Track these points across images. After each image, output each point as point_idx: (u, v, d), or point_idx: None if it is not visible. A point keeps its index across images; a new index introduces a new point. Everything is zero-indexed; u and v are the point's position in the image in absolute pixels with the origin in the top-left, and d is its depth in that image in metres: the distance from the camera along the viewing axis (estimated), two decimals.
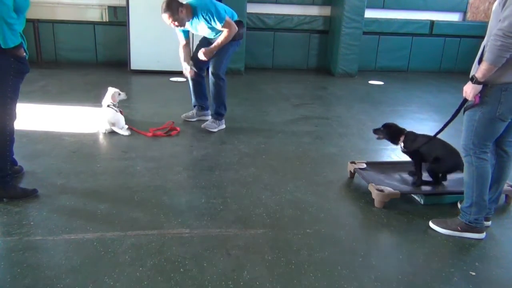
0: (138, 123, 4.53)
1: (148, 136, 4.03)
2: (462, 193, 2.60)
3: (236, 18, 4.18)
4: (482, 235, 2.56)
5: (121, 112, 4.19)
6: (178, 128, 4.21)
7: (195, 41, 4.64)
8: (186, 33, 4.22)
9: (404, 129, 3.18)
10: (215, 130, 4.29)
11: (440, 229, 2.62)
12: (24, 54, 2.65)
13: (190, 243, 2.37)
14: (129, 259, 2.20)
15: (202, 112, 4.57)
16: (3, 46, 2.48)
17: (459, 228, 2.57)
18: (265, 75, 7.36)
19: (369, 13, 7.50)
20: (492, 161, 2.55)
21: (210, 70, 4.15)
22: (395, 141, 3.18)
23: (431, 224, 2.67)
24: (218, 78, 4.16)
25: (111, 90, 4.25)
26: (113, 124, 4.02)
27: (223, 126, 4.39)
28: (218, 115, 4.34)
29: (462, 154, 2.56)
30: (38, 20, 7.02)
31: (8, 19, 2.43)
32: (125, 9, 6.63)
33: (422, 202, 2.96)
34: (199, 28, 4.03)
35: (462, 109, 2.53)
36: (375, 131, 3.28)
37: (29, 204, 2.69)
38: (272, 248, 2.36)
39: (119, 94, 4.29)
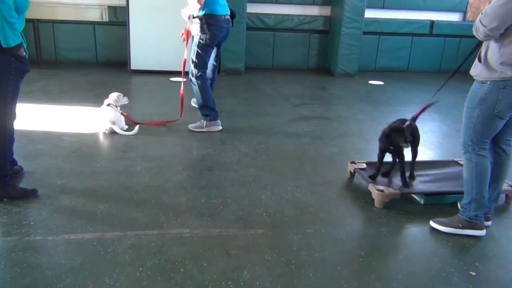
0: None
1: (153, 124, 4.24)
2: (462, 193, 2.60)
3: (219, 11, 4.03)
4: (482, 232, 2.57)
5: (122, 114, 4.21)
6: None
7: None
8: None
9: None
10: (198, 130, 4.25)
11: (441, 227, 2.62)
12: (24, 53, 2.66)
13: (190, 243, 2.37)
14: (129, 259, 2.20)
15: None
16: (4, 45, 2.48)
17: (460, 225, 2.57)
18: (265, 75, 7.36)
19: (369, 13, 7.50)
20: (490, 159, 2.56)
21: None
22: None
23: (431, 223, 2.67)
24: (191, 79, 4.17)
25: (116, 93, 4.30)
26: (114, 123, 4.01)
27: (217, 128, 4.29)
28: (203, 116, 4.28)
29: (461, 151, 2.57)
30: (38, 20, 7.02)
31: (9, 18, 2.43)
32: (125, 9, 6.63)
33: (422, 202, 2.96)
34: None
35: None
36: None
37: (29, 204, 2.69)
38: (272, 248, 2.36)
39: (123, 96, 4.34)
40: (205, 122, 4.26)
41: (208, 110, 4.24)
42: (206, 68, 4.25)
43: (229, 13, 4.19)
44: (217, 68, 4.67)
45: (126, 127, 4.16)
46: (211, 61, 4.44)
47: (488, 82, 2.35)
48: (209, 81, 4.35)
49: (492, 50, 2.33)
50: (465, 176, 2.54)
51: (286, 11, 7.71)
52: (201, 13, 3.94)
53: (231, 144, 3.96)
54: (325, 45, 7.89)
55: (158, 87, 6.16)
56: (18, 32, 2.54)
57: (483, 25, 2.26)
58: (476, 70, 2.43)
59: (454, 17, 8.30)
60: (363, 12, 7.27)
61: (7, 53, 2.53)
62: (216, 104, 4.30)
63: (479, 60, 2.41)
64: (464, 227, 2.57)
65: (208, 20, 3.96)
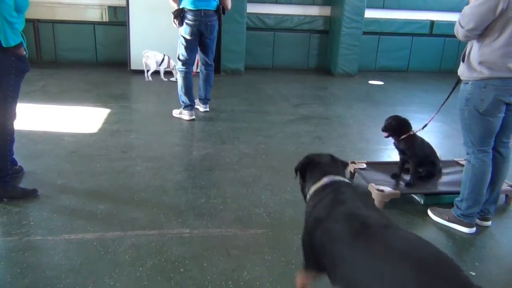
0: (138, 123, 4.54)
1: None
2: None
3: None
4: (470, 230, 2.60)
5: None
6: None
7: None
8: None
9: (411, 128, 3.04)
10: (173, 114, 4.67)
11: (434, 216, 2.75)
12: (25, 53, 2.66)
13: (190, 243, 2.37)
14: (129, 259, 2.20)
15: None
16: (4, 45, 2.48)
17: (447, 217, 2.67)
18: (265, 75, 7.36)
19: (369, 13, 7.50)
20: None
21: None
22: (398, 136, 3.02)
23: (428, 211, 2.79)
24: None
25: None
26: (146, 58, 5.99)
27: (186, 117, 4.56)
28: (180, 102, 4.63)
29: (462, 152, 2.58)
30: (38, 20, 7.02)
31: (9, 18, 2.43)
32: (125, 9, 6.63)
33: (422, 202, 2.96)
34: None
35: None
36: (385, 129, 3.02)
37: (29, 204, 2.69)
38: (272, 248, 2.36)
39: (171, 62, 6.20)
40: (180, 109, 4.61)
41: (183, 98, 4.56)
42: (189, 61, 4.50)
43: (211, 8, 4.33)
44: (210, 66, 4.74)
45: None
46: (202, 56, 4.66)
47: (470, 82, 2.39)
48: (201, 73, 4.73)
49: (474, 50, 2.35)
50: (463, 175, 2.59)
51: (286, 11, 7.71)
52: (181, 7, 4.32)
53: (231, 144, 3.96)
54: (325, 45, 7.89)
55: (158, 87, 6.16)
56: (18, 32, 2.54)
57: (461, 26, 2.28)
58: (460, 69, 2.46)
59: (454, 17, 8.20)
60: (363, 12, 7.27)
61: (7, 53, 2.53)
62: (193, 97, 4.59)
63: (462, 60, 2.43)
64: (450, 221, 2.65)
65: (183, 14, 4.30)
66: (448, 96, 2.82)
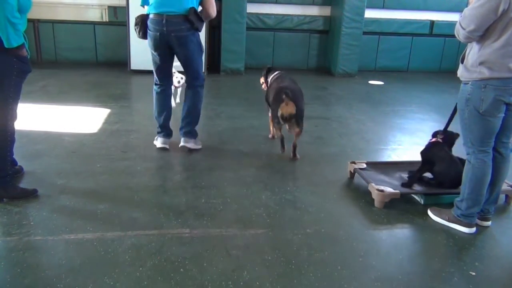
0: (138, 123, 4.54)
1: None
2: None
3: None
4: (470, 230, 2.59)
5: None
6: None
7: None
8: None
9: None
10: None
11: (434, 216, 2.75)
12: (26, 53, 2.66)
13: (190, 243, 2.37)
14: (129, 259, 2.20)
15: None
16: (6, 46, 2.48)
17: (447, 218, 2.67)
18: None
19: (369, 13, 7.50)
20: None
21: None
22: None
23: (428, 211, 2.79)
24: None
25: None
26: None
27: (156, 144, 3.72)
28: None
29: (462, 152, 2.59)
30: (38, 20, 7.03)
31: (12, 19, 2.43)
32: (125, 9, 6.63)
33: (422, 202, 2.96)
34: None
35: None
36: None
37: (29, 204, 2.69)
38: (272, 248, 2.36)
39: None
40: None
41: (156, 122, 3.71)
42: (160, 81, 3.59)
43: (177, 11, 3.31)
44: (194, 86, 3.61)
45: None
46: (181, 73, 3.79)
47: (470, 83, 2.40)
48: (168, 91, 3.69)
49: (473, 51, 2.36)
50: (463, 175, 2.59)
51: (286, 11, 7.71)
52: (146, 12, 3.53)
53: (231, 144, 3.96)
54: (325, 45, 7.89)
55: None
56: (20, 33, 2.54)
57: (462, 27, 2.28)
58: (459, 70, 2.47)
59: (454, 17, 8.21)
60: (363, 12, 7.27)
61: (9, 54, 2.53)
62: (163, 121, 3.66)
63: (461, 61, 2.44)
64: (450, 221, 2.65)
65: (145, 21, 3.52)
66: (452, 116, 2.88)
